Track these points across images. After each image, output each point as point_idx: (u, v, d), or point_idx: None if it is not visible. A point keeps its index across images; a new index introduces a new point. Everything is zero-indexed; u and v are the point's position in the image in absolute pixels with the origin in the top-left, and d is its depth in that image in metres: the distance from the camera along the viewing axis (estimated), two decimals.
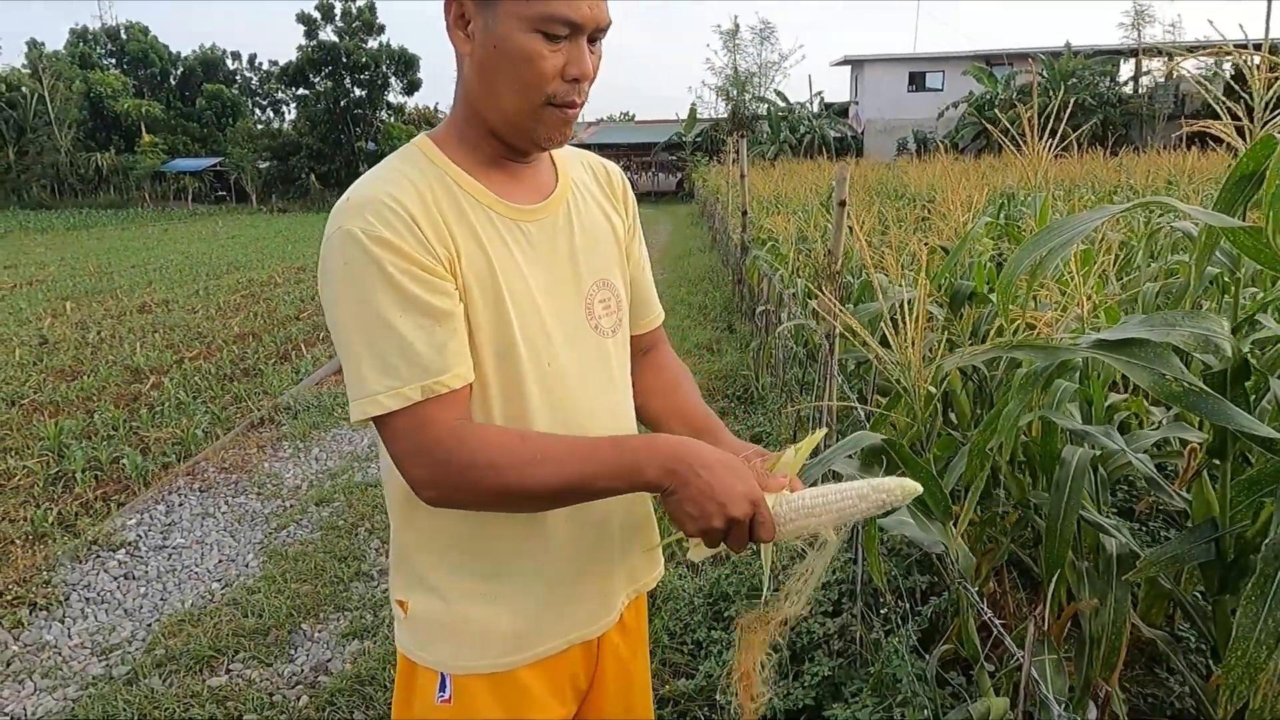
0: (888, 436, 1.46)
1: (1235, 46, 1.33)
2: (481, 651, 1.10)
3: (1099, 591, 1.74)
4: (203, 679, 2.76)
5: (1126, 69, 29.75)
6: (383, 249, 0.96)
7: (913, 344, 1.64)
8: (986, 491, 2.32)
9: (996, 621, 1.27)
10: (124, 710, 2.59)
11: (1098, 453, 1.77)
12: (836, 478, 1.35)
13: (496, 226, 1.06)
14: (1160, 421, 2.26)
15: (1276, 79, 1.18)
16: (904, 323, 1.69)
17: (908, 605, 2.22)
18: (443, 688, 1.11)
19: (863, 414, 2.18)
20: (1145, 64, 28.68)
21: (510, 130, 1.05)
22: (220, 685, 2.72)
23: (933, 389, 1.67)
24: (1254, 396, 1.39)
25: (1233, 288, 1.40)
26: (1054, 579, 1.61)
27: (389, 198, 0.99)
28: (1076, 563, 1.90)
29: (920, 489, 0.98)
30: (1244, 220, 1.22)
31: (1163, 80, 27.96)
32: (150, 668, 2.82)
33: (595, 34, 1.01)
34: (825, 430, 1.11)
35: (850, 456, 1.49)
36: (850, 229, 2.47)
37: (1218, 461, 1.44)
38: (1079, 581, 1.88)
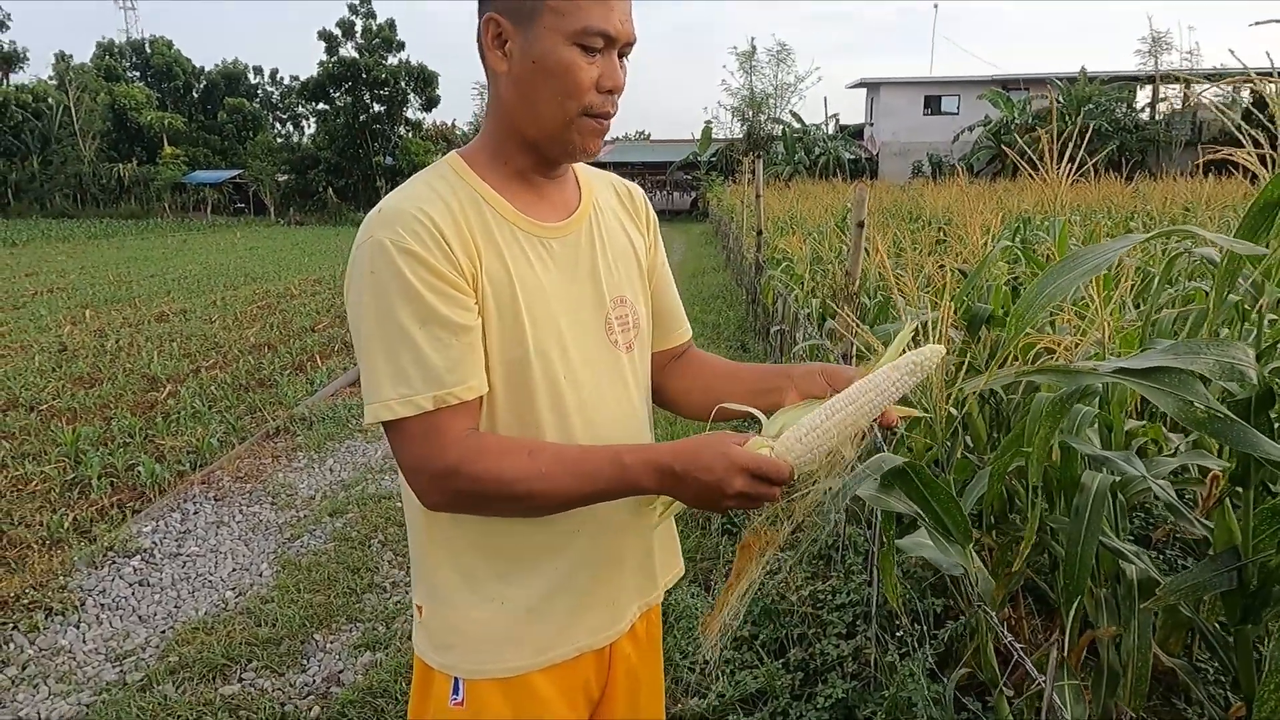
0: (907, 459, 1.46)
1: (1257, 74, 1.33)
2: (493, 656, 1.12)
3: (1119, 619, 1.73)
4: (215, 687, 2.77)
5: (1143, 95, 29.74)
6: (408, 260, 1.00)
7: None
8: (1003, 516, 2.31)
9: (1018, 646, 1.26)
10: (137, 717, 2.60)
11: (1117, 479, 1.76)
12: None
13: (520, 242, 1.09)
14: (1178, 448, 2.25)
15: None
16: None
17: (923, 628, 2.21)
18: (456, 691, 1.13)
19: (879, 436, 2.18)
20: (1162, 90, 28.65)
21: (548, 141, 1.09)
22: (233, 694, 2.73)
23: (954, 411, 1.67)
24: (1278, 425, 1.38)
25: (1255, 315, 1.40)
26: (1074, 605, 1.60)
27: (420, 212, 1.02)
28: (1094, 589, 1.89)
29: (944, 350, 1.03)
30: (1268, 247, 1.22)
31: (1179, 107, 27.87)
32: (164, 675, 2.83)
33: (624, 48, 1.07)
34: (916, 324, 1.12)
35: (873, 479, 1.49)
36: (868, 250, 2.48)
37: (1240, 489, 1.44)
38: (1096, 608, 1.87)
